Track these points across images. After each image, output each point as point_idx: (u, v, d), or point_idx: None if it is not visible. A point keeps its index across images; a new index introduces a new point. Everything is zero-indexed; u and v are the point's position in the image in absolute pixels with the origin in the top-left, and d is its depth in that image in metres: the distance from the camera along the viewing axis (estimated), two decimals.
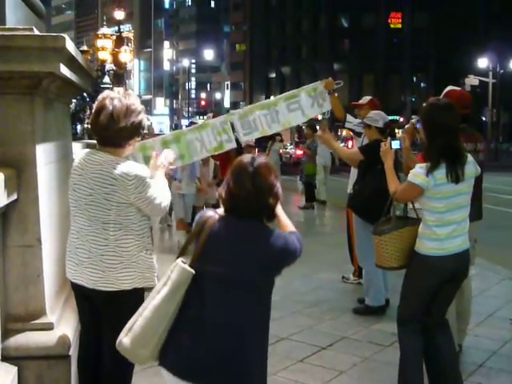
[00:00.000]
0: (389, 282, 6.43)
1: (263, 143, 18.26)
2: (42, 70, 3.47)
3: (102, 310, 3.43)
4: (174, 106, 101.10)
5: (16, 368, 3.44)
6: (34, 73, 3.47)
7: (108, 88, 19.48)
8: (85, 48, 26.18)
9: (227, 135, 5.64)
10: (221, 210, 2.82)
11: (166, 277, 2.75)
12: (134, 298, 3.36)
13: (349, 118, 7.18)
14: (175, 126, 69.68)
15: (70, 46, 3.59)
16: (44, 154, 3.77)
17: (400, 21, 61.25)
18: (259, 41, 72.56)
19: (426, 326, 4.10)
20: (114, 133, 3.34)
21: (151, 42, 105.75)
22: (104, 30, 25.25)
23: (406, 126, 5.34)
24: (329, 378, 4.71)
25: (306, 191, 15.42)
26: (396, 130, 7.85)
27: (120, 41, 26.06)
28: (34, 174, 3.59)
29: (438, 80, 46.29)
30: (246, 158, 2.81)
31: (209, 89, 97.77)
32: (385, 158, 4.36)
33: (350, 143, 29.77)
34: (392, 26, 61.46)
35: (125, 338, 2.75)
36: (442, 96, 4.86)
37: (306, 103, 5.86)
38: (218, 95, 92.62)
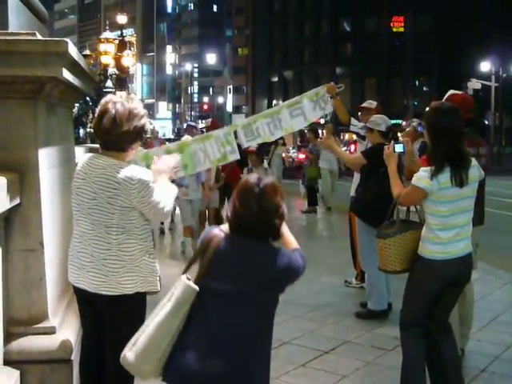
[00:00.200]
0: (391, 286, 6.43)
1: (266, 147, 18.26)
2: (45, 74, 3.48)
3: (104, 314, 3.42)
4: (177, 110, 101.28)
5: (18, 372, 3.44)
6: (36, 77, 3.48)
7: (111, 92, 19.53)
8: (87, 52, 26.33)
9: (231, 146, 5.69)
10: (226, 227, 2.83)
11: (170, 293, 2.76)
12: (136, 302, 3.37)
13: (353, 121, 7.20)
14: (177, 130, 69.68)
15: (73, 50, 3.60)
16: (47, 158, 3.78)
17: (402, 24, 61.19)
18: (262, 45, 72.55)
19: (429, 330, 4.09)
20: (117, 137, 3.34)
21: (154, 46, 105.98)
22: (107, 34, 25.36)
23: (407, 129, 5.35)
24: (331, 383, 4.70)
25: (308, 195, 15.40)
26: (398, 134, 7.87)
27: (123, 45, 26.13)
28: (37, 178, 3.59)
29: (441, 84, 46.25)
30: (253, 178, 2.81)
31: (211, 93, 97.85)
32: (388, 162, 4.36)
33: (352, 147, 29.84)
34: (394, 29, 61.40)
35: (129, 353, 2.75)
36: (444, 100, 4.86)
37: (308, 108, 5.90)
38: (220, 99, 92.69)
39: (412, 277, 4.10)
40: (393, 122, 7.20)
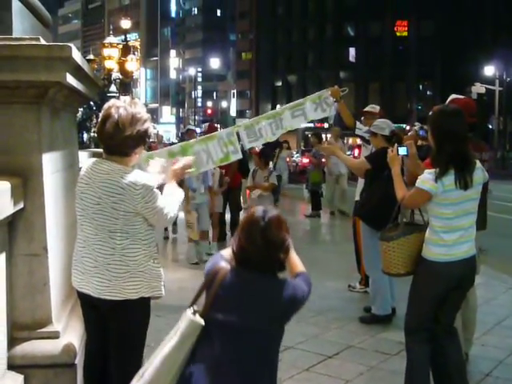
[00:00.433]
0: (395, 291, 6.41)
1: (270, 150, 18.25)
2: (49, 79, 3.49)
3: (108, 319, 3.42)
4: (181, 114, 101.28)
5: (22, 376, 3.44)
6: (40, 82, 3.49)
7: (114, 97, 19.56)
8: (91, 57, 26.38)
9: (233, 146, 5.72)
10: (228, 254, 2.83)
11: (176, 326, 2.76)
12: (140, 307, 3.37)
13: (358, 125, 7.22)
14: (181, 135, 69.69)
15: (77, 55, 3.61)
16: (50, 163, 3.78)
17: (406, 29, 61.21)
18: (265, 49, 72.59)
19: (434, 334, 4.08)
20: (120, 141, 3.34)
21: (157, 50, 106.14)
22: (110, 39, 25.37)
23: (409, 133, 5.35)
24: None
25: (312, 199, 15.39)
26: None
27: (126, 50, 26.20)
28: (41, 182, 3.60)
29: (445, 88, 46.22)
30: (258, 211, 2.79)
31: (215, 97, 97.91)
32: (392, 165, 4.36)
33: (356, 151, 29.81)
34: (398, 34, 61.43)
35: None
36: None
37: (309, 109, 5.96)
38: (224, 104, 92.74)
39: (416, 280, 4.10)
40: (396, 126, 7.21)
